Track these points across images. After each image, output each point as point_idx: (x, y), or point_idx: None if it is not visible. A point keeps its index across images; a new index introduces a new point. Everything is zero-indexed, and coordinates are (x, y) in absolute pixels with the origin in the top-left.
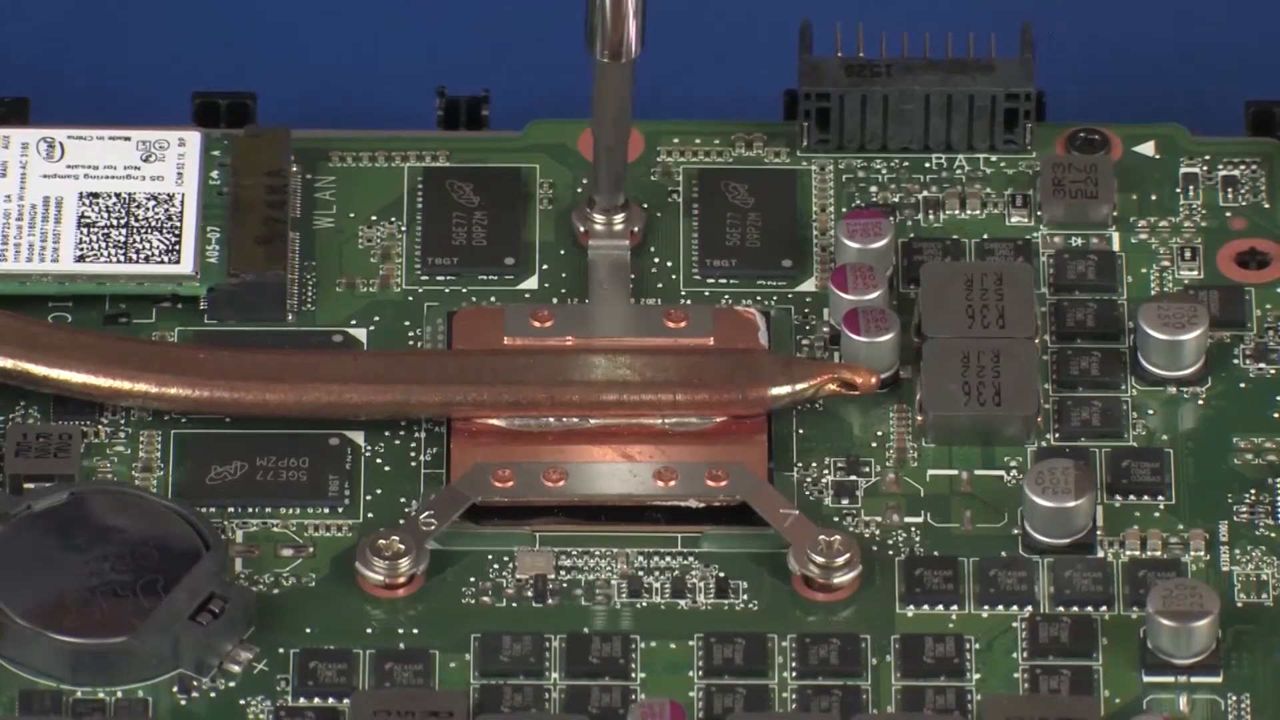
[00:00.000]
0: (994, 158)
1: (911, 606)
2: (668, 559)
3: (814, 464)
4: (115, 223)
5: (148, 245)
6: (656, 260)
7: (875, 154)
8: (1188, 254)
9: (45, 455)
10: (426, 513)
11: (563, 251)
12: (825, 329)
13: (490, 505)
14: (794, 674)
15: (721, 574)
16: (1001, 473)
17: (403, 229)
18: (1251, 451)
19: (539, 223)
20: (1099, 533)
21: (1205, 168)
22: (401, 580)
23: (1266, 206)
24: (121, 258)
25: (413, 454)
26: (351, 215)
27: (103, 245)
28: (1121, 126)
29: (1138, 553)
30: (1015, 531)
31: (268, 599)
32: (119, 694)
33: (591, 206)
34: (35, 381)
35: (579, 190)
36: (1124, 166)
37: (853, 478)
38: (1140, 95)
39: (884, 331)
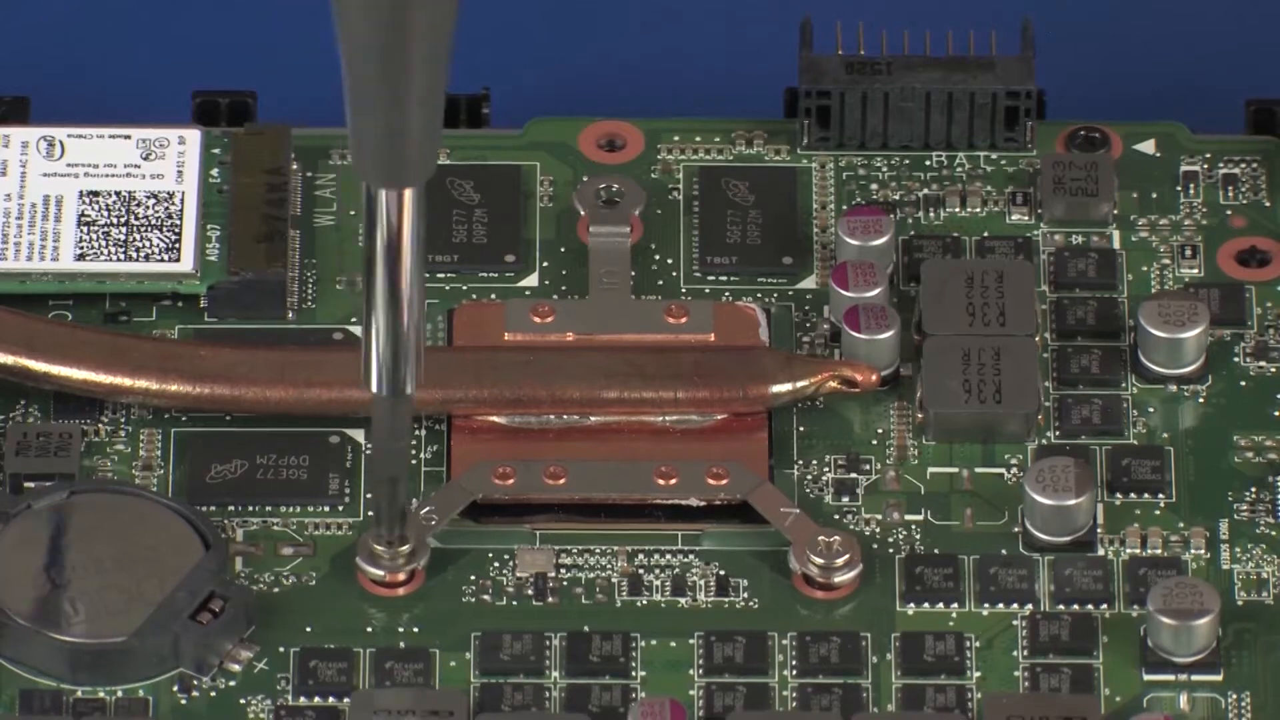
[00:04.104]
0: (994, 155)
1: (912, 604)
2: (668, 557)
3: (814, 461)
4: (115, 221)
5: (148, 243)
6: (657, 258)
7: (876, 151)
8: (1188, 252)
9: (45, 454)
10: (427, 509)
11: (563, 249)
12: (826, 326)
13: (491, 502)
14: (794, 672)
15: (722, 572)
16: (1002, 470)
17: None
18: (1252, 449)
19: (539, 220)
20: (1099, 531)
21: (1205, 166)
22: (402, 577)
23: (1267, 205)
24: (122, 256)
25: (413, 451)
26: (352, 213)
27: (103, 244)
28: (1122, 125)
29: (1138, 551)
30: (1015, 529)
31: (268, 598)
32: (119, 693)
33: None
34: (35, 378)
35: (578, 187)
36: (1124, 164)
37: (853, 475)
38: (1140, 93)
39: (884, 329)
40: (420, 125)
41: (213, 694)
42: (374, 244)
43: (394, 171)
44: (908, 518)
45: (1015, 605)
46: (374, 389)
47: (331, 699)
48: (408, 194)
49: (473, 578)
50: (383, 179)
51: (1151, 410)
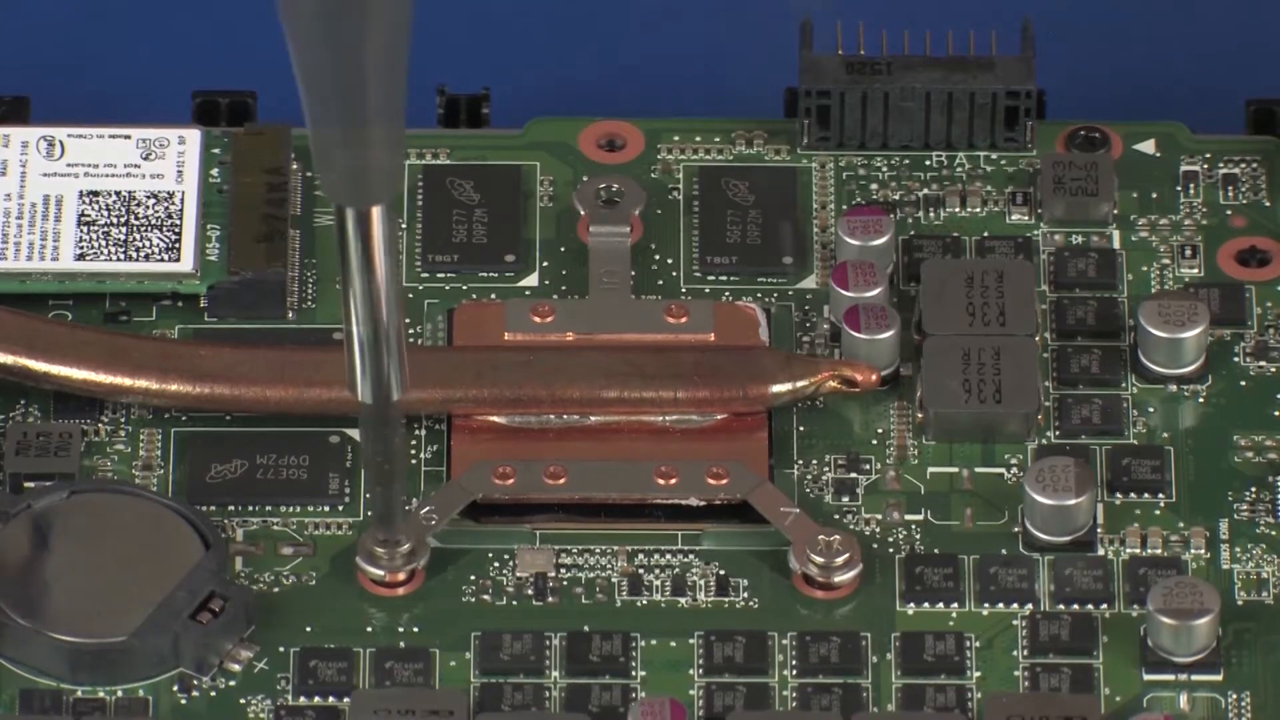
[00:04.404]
0: (994, 155)
1: (912, 604)
2: (668, 557)
3: (814, 461)
4: (115, 221)
5: (148, 243)
6: (657, 257)
7: (876, 151)
8: (1188, 252)
9: (45, 454)
10: (427, 509)
11: (563, 249)
12: (826, 326)
13: (491, 502)
14: (794, 672)
15: (722, 572)
16: (1002, 470)
17: (403, 226)
18: (1252, 449)
19: (539, 220)
20: (1099, 530)
21: (1205, 166)
22: (402, 577)
23: (1267, 204)
24: (122, 256)
25: (413, 451)
26: None
27: (103, 243)
28: (1122, 124)
29: (1138, 550)
30: (1015, 529)
31: (268, 597)
32: (119, 693)
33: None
34: (35, 378)
35: (578, 187)
36: (1124, 164)
37: (853, 475)
38: (1141, 93)
39: (884, 329)
40: (382, 144)
41: (213, 694)
42: (349, 261)
43: (360, 191)
44: (908, 517)
45: (1015, 605)
46: (360, 397)
47: (331, 699)
48: (376, 210)
49: (473, 578)
50: (351, 198)
51: (1151, 410)
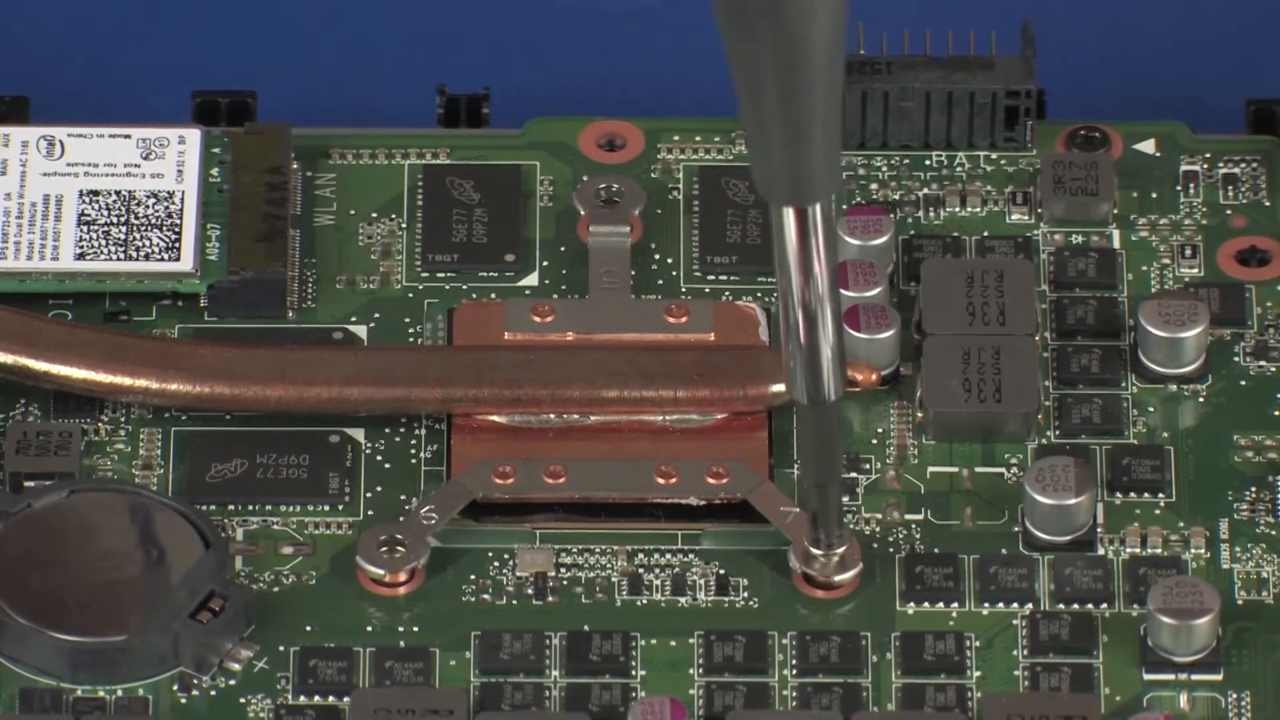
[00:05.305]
0: (994, 155)
1: (912, 604)
2: (668, 556)
3: None
4: (115, 220)
5: (148, 243)
6: (657, 257)
7: (876, 151)
8: (1188, 251)
9: (45, 453)
10: (427, 508)
11: (563, 248)
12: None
13: (491, 502)
14: (794, 671)
15: (722, 571)
16: (1002, 470)
17: (403, 226)
18: (1252, 449)
19: (539, 220)
20: (1099, 530)
21: (1206, 165)
22: (402, 576)
23: (1267, 204)
24: (122, 255)
25: (413, 451)
26: (352, 212)
27: (103, 243)
28: (1122, 124)
29: (1138, 550)
30: (1016, 529)
31: (268, 597)
32: (119, 692)
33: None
34: (35, 377)
35: (578, 187)
36: (1124, 164)
37: (853, 475)
38: (1141, 93)
39: (884, 328)
40: (822, 141)
41: (213, 693)
42: (785, 260)
43: (799, 189)
44: (908, 517)
45: (1015, 605)
46: (795, 397)
47: (331, 698)
48: (815, 208)
49: (473, 577)
50: (789, 197)
51: (1151, 410)
